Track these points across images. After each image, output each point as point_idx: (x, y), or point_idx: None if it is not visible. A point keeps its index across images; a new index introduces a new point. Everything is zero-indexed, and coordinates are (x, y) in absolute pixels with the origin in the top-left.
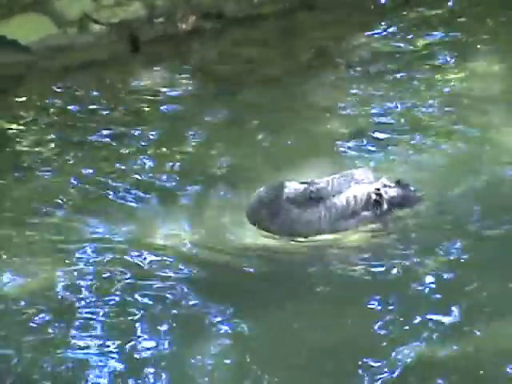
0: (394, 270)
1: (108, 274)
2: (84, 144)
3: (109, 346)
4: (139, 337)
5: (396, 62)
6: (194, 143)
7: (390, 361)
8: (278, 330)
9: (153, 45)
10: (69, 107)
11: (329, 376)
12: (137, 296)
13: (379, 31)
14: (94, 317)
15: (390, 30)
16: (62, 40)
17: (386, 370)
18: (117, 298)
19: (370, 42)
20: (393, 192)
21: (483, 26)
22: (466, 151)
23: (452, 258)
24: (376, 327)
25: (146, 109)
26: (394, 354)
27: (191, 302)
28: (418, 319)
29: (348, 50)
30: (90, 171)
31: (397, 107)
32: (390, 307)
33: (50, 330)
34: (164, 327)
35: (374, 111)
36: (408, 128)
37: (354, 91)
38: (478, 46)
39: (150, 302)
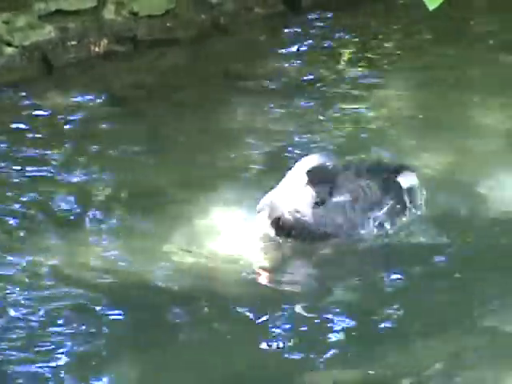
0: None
1: None
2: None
3: None
4: None
5: (309, 86)
6: (102, 167)
7: None
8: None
9: (65, 68)
10: None
11: None
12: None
13: (292, 55)
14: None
15: (304, 54)
16: None
17: None
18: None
19: (283, 66)
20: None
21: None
22: None
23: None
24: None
25: (57, 131)
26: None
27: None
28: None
29: (261, 74)
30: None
31: (307, 134)
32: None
33: None
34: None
35: (285, 137)
36: None
37: (267, 116)
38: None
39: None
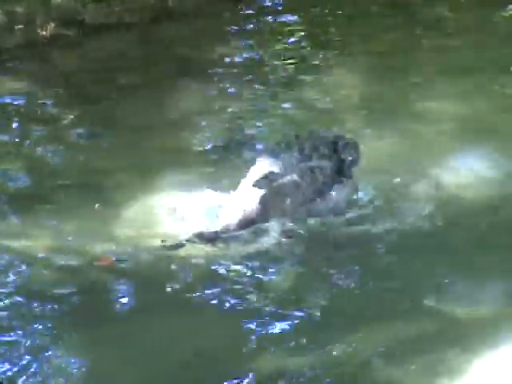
0: None
1: None
2: None
3: None
4: None
5: (257, 71)
6: (50, 151)
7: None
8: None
9: (12, 51)
10: None
11: None
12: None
13: (241, 39)
14: None
15: (253, 37)
16: None
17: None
18: None
19: (230, 51)
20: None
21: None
22: None
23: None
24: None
25: (4, 115)
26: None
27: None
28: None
29: (209, 58)
30: None
31: (254, 119)
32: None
33: None
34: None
35: (233, 124)
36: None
37: (215, 100)
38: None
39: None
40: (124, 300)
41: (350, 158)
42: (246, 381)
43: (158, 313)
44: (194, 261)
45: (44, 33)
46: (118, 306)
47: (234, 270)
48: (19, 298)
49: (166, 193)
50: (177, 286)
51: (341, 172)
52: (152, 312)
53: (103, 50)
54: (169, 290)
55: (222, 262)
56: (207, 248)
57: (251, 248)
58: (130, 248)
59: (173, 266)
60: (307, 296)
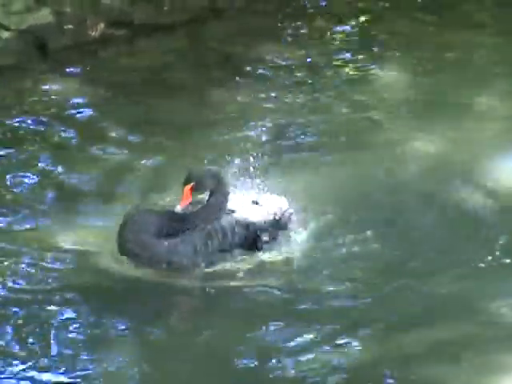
0: None
1: None
2: None
3: None
4: None
5: (303, 71)
6: (98, 150)
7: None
8: None
9: (61, 52)
10: None
11: None
12: None
13: (288, 40)
14: None
15: (300, 39)
16: None
17: None
18: None
19: (278, 50)
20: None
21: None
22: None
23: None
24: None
25: (52, 116)
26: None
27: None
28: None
29: (256, 59)
30: None
31: (303, 119)
32: None
33: None
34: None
35: (278, 122)
36: (311, 143)
37: (261, 101)
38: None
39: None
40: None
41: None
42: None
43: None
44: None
45: (93, 33)
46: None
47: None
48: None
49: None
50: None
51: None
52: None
53: (152, 50)
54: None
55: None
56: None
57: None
58: None
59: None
60: (355, 297)
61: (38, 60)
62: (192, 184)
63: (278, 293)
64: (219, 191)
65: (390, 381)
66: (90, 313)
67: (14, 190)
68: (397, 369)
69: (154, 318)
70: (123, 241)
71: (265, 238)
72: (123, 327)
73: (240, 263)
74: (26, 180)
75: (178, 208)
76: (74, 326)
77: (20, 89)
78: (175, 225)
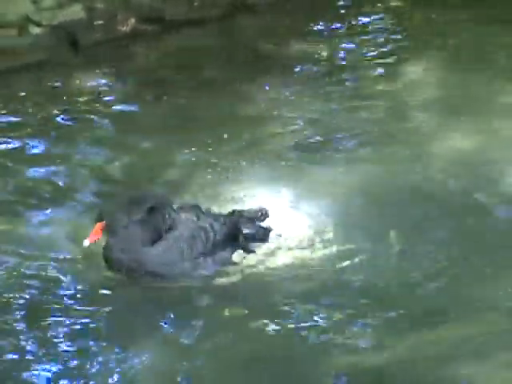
0: None
1: None
2: (21, 145)
3: None
4: None
5: (335, 68)
6: (128, 145)
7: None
8: None
9: (92, 48)
10: (8, 109)
11: None
12: None
13: (320, 36)
14: None
15: (332, 35)
16: (0, 42)
17: None
18: None
19: (310, 46)
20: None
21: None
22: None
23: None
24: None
25: (84, 111)
26: None
27: None
28: None
29: (287, 54)
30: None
31: (335, 116)
32: None
33: None
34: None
35: (311, 119)
36: (342, 140)
37: (293, 97)
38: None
39: None
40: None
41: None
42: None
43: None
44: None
45: (124, 29)
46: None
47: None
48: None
49: (243, 188)
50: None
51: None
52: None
53: (183, 45)
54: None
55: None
56: None
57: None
58: None
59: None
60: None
61: (70, 56)
62: (103, 223)
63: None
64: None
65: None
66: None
67: (53, 184)
68: (433, 365)
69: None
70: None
71: (247, 230)
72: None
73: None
74: (60, 174)
75: (86, 242)
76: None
77: (52, 84)
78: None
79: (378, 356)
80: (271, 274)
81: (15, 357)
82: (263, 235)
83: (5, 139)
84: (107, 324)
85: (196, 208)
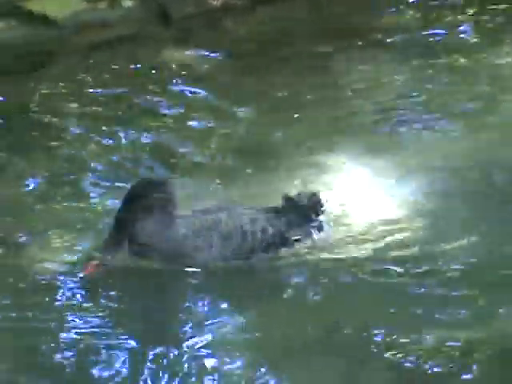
0: None
1: None
2: (113, 118)
3: None
4: None
5: (430, 41)
6: (215, 119)
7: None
8: None
9: (183, 21)
10: (99, 82)
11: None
12: None
13: (408, 8)
14: None
15: (423, 9)
16: (91, 15)
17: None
18: None
19: (401, 20)
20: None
21: None
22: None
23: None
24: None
25: (175, 85)
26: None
27: None
28: None
29: (378, 27)
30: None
31: (423, 92)
32: None
33: None
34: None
35: (401, 93)
36: (427, 117)
37: (385, 70)
38: None
39: None
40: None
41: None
42: None
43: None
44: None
45: (215, 3)
46: None
47: None
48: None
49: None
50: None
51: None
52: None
53: (272, 19)
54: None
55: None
56: None
57: None
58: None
59: None
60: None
61: (161, 29)
62: (97, 262)
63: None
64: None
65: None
66: None
67: (140, 163)
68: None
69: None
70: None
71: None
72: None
73: None
74: (149, 150)
75: (80, 274)
76: None
77: (142, 57)
78: None
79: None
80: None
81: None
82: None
83: (101, 112)
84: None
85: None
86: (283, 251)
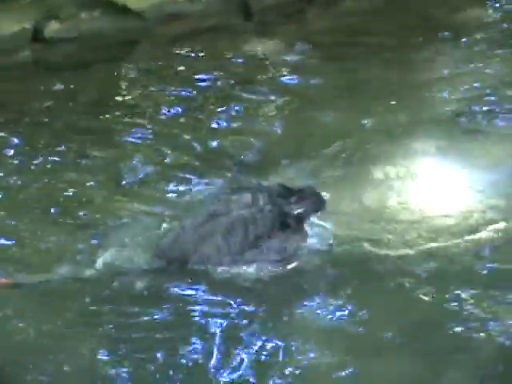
0: None
1: None
2: (197, 108)
3: None
4: None
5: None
6: (300, 111)
7: None
8: None
9: (264, 13)
10: (182, 73)
11: None
12: None
13: (496, 4)
14: None
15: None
16: (174, 7)
17: None
18: None
19: (481, 14)
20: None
21: None
22: None
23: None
24: None
25: (257, 76)
26: None
27: None
28: None
29: (457, 21)
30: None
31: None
32: None
33: None
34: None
35: (481, 85)
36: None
37: (463, 64)
38: None
39: None
40: None
41: (298, 211)
42: None
43: None
44: None
45: None
46: None
47: None
48: None
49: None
50: None
51: (284, 223)
52: None
53: (354, 10)
54: None
55: None
56: None
57: None
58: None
59: None
60: None
61: (242, 20)
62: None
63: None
64: None
65: None
66: None
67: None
68: None
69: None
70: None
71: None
72: None
73: None
74: (219, 139)
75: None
76: None
77: (223, 49)
78: None
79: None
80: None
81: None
82: (317, 205)
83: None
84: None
85: (258, 190)
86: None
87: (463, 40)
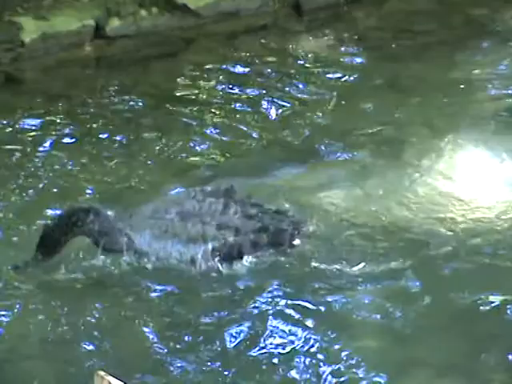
0: None
1: None
2: (249, 102)
3: None
4: None
5: None
6: (348, 105)
7: None
8: None
9: (315, 11)
10: (235, 71)
11: None
12: None
13: None
14: None
15: None
16: (229, 5)
17: None
18: None
19: None
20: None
21: None
22: None
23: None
24: None
25: (309, 75)
26: None
27: None
28: None
29: (502, 19)
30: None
31: None
32: None
33: None
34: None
35: None
36: None
37: (506, 63)
38: None
39: None
40: None
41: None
42: None
43: None
44: None
45: None
46: None
47: None
48: None
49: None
50: None
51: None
52: None
53: (400, 9)
54: None
55: None
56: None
57: None
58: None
59: None
60: None
61: (293, 20)
62: None
63: None
64: None
65: None
66: None
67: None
68: None
69: None
70: None
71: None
72: None
73: None
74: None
75: None
76: None
77: (274, 48)
78: None
79: None
80: None
81: None
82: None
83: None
84: None
85: (228, 195)
86: None
87: (506, 40)
